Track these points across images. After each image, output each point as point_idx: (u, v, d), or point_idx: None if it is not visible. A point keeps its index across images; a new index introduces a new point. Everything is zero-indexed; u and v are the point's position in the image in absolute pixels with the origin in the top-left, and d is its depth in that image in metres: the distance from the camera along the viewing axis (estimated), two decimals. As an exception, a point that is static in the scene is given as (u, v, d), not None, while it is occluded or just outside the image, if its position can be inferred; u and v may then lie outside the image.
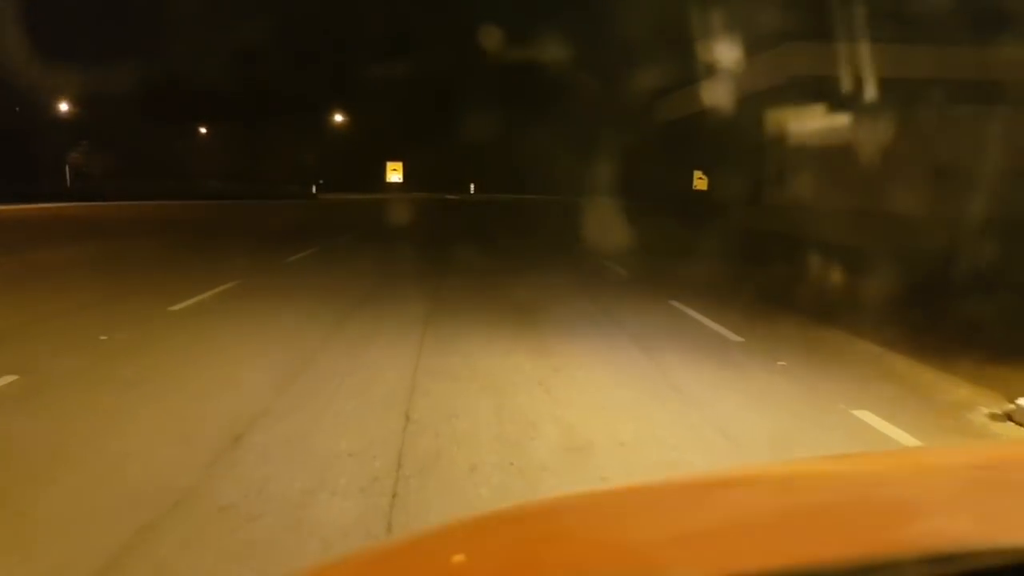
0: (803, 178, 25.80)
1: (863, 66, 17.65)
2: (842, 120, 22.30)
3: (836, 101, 21.97)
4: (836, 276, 12.92)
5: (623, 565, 0.74)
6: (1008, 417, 4.78)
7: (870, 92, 19.64)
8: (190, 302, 8.26)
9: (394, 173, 53.23)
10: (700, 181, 53.02)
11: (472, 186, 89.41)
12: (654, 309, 8.78)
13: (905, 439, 4.20)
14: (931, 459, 1.23)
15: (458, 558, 0.83)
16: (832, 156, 23.15)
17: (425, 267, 12.37)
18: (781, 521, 0.86)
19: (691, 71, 30.41)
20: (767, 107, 27.42)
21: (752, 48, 24.34)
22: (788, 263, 14.38)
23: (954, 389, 5.44)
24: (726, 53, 24.51)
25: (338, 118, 71.70)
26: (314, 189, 69.95)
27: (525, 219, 31.00)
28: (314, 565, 0.85)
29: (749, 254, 16.36)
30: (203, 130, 71.85)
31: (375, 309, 8.15)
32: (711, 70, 28.36)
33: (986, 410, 4.92)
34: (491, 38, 43.70)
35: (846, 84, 19.39)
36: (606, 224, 23.90)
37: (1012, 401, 4.92)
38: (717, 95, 27.49)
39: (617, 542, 0.83)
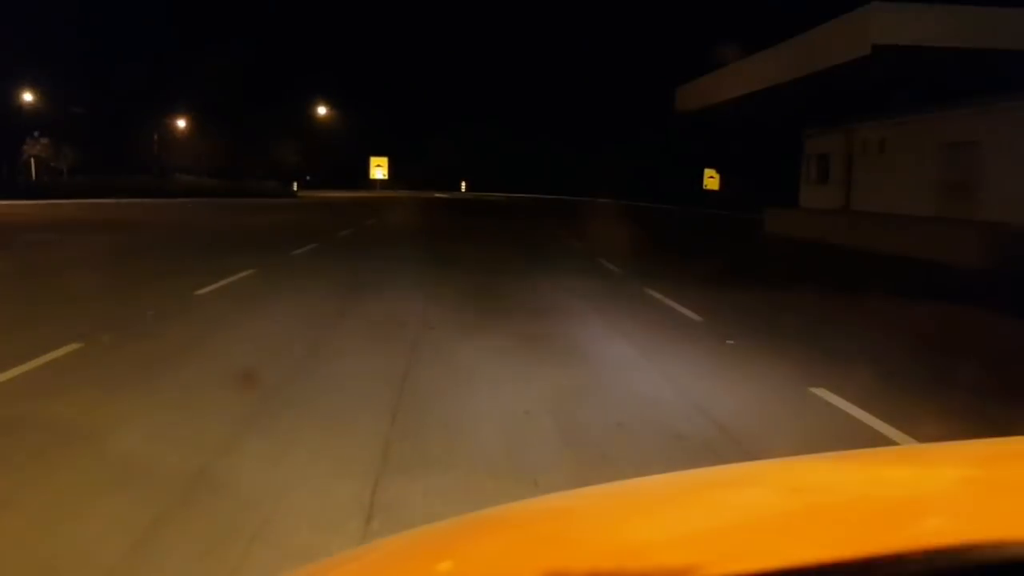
0: (861, 178, 22.09)
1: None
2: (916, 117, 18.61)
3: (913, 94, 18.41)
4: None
5: (623, 565, 0.73)
6: None
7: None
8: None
9: (378, 169, 49.23)
10: (711, 180, 49.48)
11: (463, 184, 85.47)
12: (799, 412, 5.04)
13: None
14: (931, 458, 1.21)
15: (455, 559, 0.83)
16: (898, 154, 19.51)
17: (398, 324, 7.57)
18: (781, 521, 0.85)
19: (714, 54, 26.72)
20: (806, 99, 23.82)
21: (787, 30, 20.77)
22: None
23: None
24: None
25: (322, 111, 67.96)
26: (295, 186, 66.49)
27: (528, 230, 27.20)
28: (310, 566, 0.85)
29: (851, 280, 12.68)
30: (181, 123, 68.27)
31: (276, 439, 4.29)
32: (736, 53, 24.68)
33: None
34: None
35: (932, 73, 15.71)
36: (635, 242, 20.16)
37: None
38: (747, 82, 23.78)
39: (616, 542, 0.82)
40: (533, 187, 76.13)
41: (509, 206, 45.70)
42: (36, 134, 49.26)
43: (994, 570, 0.67)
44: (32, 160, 52.18)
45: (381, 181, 50.05)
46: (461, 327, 7.30)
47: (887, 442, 4.22)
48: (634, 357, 6.39)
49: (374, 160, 49.22)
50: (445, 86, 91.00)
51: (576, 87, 73.38)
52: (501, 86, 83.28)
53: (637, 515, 0.91)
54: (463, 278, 11.04)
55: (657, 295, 9.70)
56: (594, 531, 0.87)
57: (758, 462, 1.17)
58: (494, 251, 16.02)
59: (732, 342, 7.01)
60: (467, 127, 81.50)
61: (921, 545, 0.70)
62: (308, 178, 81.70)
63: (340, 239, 17.64)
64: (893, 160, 20.37)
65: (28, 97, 50.77)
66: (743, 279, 11.95)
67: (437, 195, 68.24)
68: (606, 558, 0.75)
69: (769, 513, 0.90)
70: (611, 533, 0.85)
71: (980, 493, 0.95)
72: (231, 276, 10.17)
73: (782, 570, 0.65)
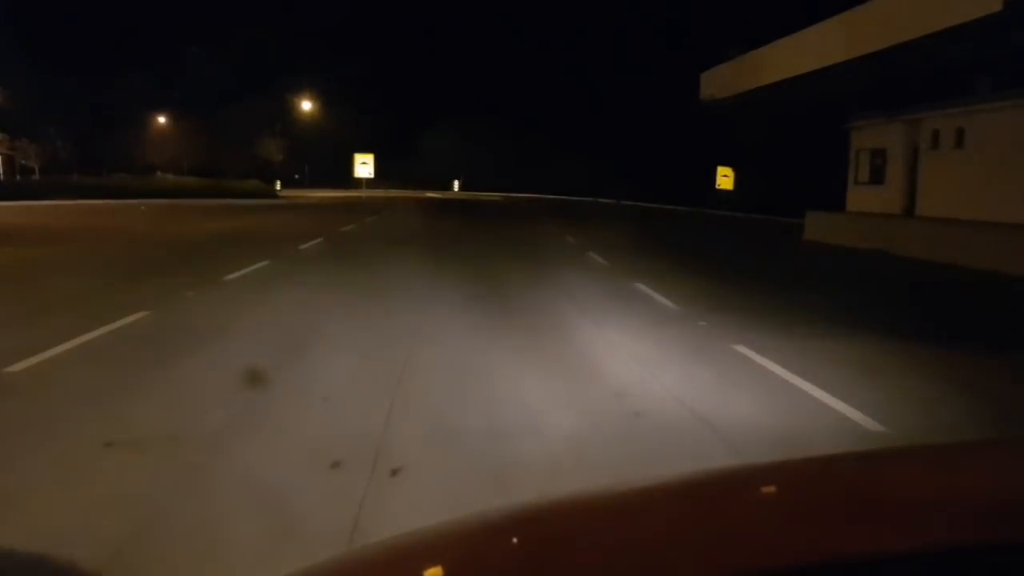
0: (931, 178, 18.52)
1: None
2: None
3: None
4: None
5: (623, 565, 0.73)
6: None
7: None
8: None
9: (363, 166, 45.37)
10: (725, 179, 45.71)
11: (456, 183, 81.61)
12: None
13: None
14: (930, 458, 1.20)
15: (456, 561, 0.82)
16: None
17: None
18: (781, 521, 0.86)
19: (742, 37, 23.19)
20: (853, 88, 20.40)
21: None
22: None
23: None
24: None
25: (308, 106, 64.37)
26: (278, 185, 63.11)
27: (533, 240, 23.71)
28: (309, 566, 0.84)
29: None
30: (161, 120, 64.58)
31: None
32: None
33: None
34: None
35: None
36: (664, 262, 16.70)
37: None
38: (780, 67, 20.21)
39: (616, 542, 0.81)
40: (530, 186, 72.47)
41: (508, 209, 41.94)
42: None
43: (994, 568, 0.67)
44: (-1, 159, 48.88)
45: (367, 180, 46.19)
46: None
47: None
48: None
49: (359, 156, 45.35)
50: (438, 80, 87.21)
51: (576, 80, 69.61)
52: (497, 80, 79.48)
53: (638, 515, 0.92)
54: (456, 337, 7.45)
55: (752, 354, 6.18)
56: (595, 531, 0.86)
57: (758, 462, 1.19)
58: (500, 275, 12.50)
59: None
60: (461, 123, 77.99)
61: (921, 544, 0.70)
62: (297, 176, 78.47)
63: (300, 255, 13.99)
64: (976, 155, 16.85)
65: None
66: (851, 322, 8.38)
67: (429, 195, 64.63)
68: (607, 558, 0.75)
69: (769, 513, 0.91)
70: (612, 533, 0.85)
71: (979, 491, 0.95)
72: (85, 334, 6.50)
73: (782, 570, 0.66)
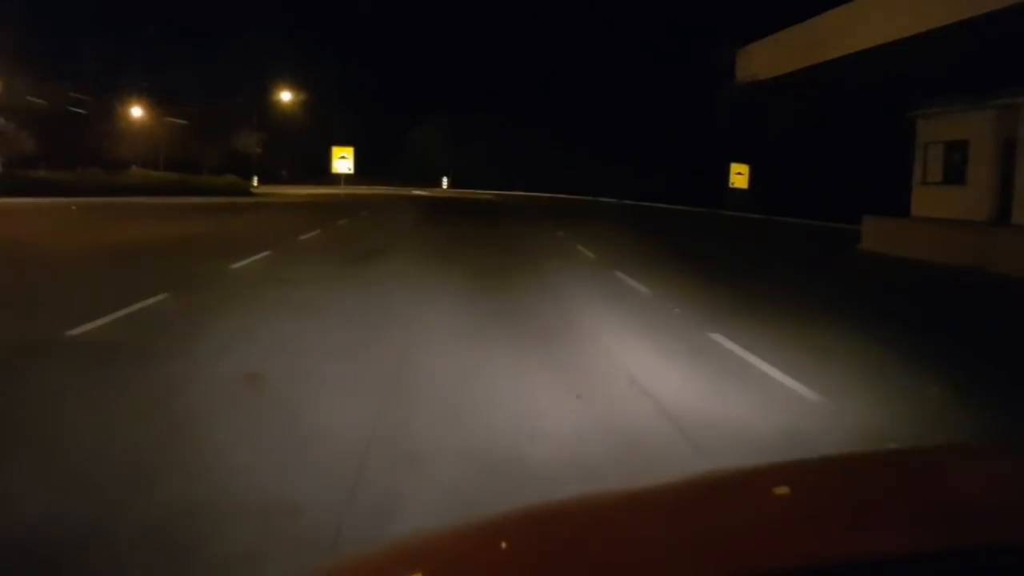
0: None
1: None
2: None
3: None
4: None
5: (624, 567, 0.73)
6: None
7: None
8: None
9: (342, 160, 41.45)
10: (739, 177, 42.01)
11: (445, 180, 77.47)
12: None
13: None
14: (930, 459, 1.20)
15: (458, 562, 0.82)
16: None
17: None
18: (781, 522, 0.86)
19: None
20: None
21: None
22: None
23: None
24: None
25: (287, 96, 60.40)
26: (255, 182, 59.30)
27: (535, 249, 20.01)
28: (319, 565, 0.84)
29: None
30: (137, 111, 60.58)
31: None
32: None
33: None
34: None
35: None
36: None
37: None
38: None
39: (617, 545, 0.82)
40: (524, 184, 68.62)
41: (504, 210, 37.85)
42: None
43: (993, 569, 0.67)
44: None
45: (346, 175, 42.24)
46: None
47: None
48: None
49: (337, 150, 41.41)
50: (428, 72, 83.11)
51: (573, 73, 65.56)
52: (489, 72, 75.41)
53: (638, 516, 0.91)
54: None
55: None
56: (596, 532, 0.86)
57: (758, 463, 1.16)
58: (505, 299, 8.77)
59: None
60: (451, 117, 74.11)
61: (920, 544, 0.71)
62: (285, 173, 74.46)
63: (221, 282, 10.14)
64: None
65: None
66: None
67: (416, 192, 60.66)
68: (607, 558, 0.76)
69: (769, 513, 0.91)
70: (612, 533, 0.85)
71: (978, 493, 0.95)
72: None
73: (782, 570, 0.66)
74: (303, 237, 16.31)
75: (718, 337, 6.95)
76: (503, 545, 0.85)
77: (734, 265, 14.53)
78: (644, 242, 17.80)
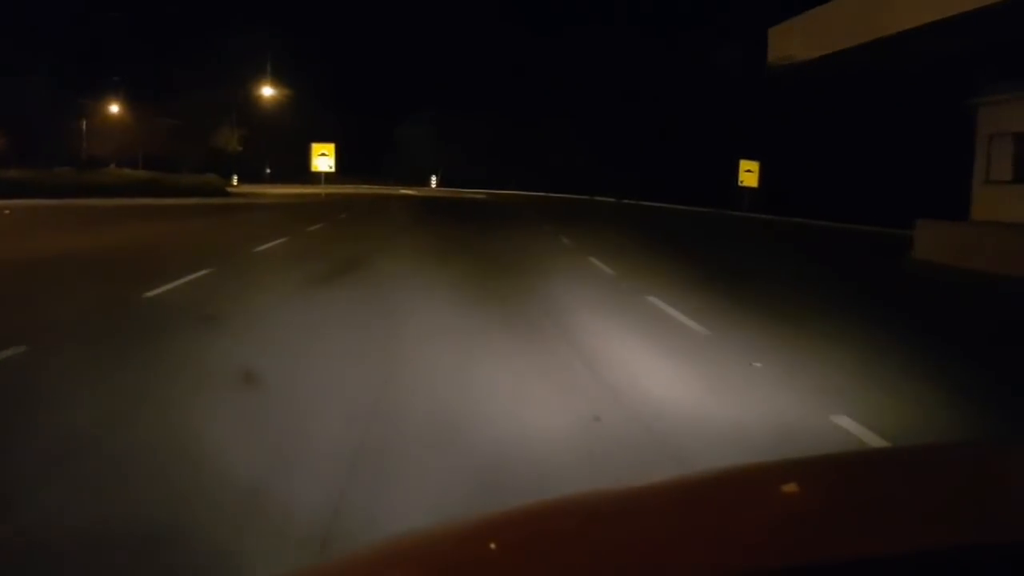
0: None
1: None
2: None
3: None
4: None
5: (623, 566, 0.72)
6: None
7: None
8: None
9: (322, 158, 38.69)
10: (748, 175, 39.37)
11: (434, 178, 74.56)
12: None
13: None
14: (930, 458, 1.17)
15: (455, 560, 0.80)
16: None
17: None
18: (781, 521, 0.85)
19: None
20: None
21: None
22: None
23: None
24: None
25: (268, 91, 57.72)
26: (235, 180, 56.76)
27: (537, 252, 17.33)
28: (312, 566, 0.78)
29: None
30: (114, 108, 57.79)
31: None
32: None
33: None
34: None
35: None
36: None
37: None
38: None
39: (615, 543, 0.80)
40: (517, 183, 65.94)
41: (500, 211, 34.97)
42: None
43: (992, 569, 0.66)
44: None
45: (327, 174, 39.49)
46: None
47: None
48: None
49: (316, 147, 38.65)
50: (414, 67, 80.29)
51: (571, 69, 62.67)
52: (478, 66, 72.57)
53: (638, 515, 0.90)
54: None
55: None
56: (595, 531, 0.85)
57: (758, 462, 1.14)
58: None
59: None
60: (440, 113, 71.47)
61: (919, 544, 0.69)
62: (269, 171, 71.72)
63: (135, 315, 7.52)
64: None
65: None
66: None
67: (403, 192, 57.94)
68: (607, 558, 0.74)
69: (769, 513, 0.89)
70: (612, 533, 0.84)
71: (977, 492, 0.94)
72: None
73: (782, 570, 0.65)
74: (260, 248, 13.60)
75: (842, 420, 4.38)
76: (497, 544, 0.83)
77: (798, 290, 11.58)
78: (666, 253, 15.19)
